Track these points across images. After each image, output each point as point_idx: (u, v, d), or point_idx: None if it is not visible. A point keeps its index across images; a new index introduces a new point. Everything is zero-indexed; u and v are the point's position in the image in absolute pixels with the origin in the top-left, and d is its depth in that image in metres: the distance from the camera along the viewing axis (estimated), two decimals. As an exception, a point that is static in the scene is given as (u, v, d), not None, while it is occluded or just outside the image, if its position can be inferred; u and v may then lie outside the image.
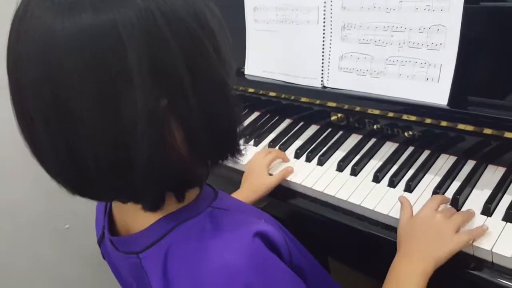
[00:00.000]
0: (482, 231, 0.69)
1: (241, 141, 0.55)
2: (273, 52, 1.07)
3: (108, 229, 0.61)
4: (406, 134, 0.91)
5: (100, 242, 0.66)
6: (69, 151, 0.45)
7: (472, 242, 0.68)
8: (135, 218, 0.56)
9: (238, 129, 0.53)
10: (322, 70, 0.98)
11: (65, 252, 1.41)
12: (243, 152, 0.56)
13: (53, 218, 1.37)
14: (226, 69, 0.50)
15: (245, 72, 1.14)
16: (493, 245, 0.67)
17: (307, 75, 1.00)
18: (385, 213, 0.79)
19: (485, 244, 0.68)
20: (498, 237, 0.68)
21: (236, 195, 0.89)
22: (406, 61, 0.84)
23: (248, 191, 0.90)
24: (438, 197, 0.75)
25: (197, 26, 0.45)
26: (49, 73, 0.42)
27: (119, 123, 0.43)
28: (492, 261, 0.67)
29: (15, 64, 0.45)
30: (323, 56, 0.97)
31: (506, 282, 0.65)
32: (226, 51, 0.49)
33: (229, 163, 0.55)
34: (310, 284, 0.59)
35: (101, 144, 0.44)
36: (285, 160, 0.98)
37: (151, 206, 0.52)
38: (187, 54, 0.45)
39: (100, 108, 0.43)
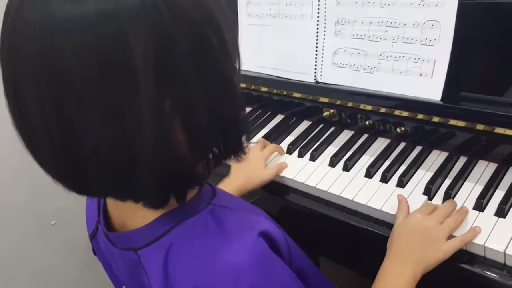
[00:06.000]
0: (474, 234, 0.69)
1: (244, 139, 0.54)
2: (266, 47, 1.06)
3: (104, 224, 0.60)
4: (398, 130, 0.92)
5: (93, 237, 0.65)
6: (69, 150, 0.43)
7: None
8: (134, 214, 0.55)
9: (243, 128, 0.52)
10: (316, 65, 0.98)
11: (51, 249, 1.39)
12: (246, 150, 0.55)
13: (39, 214, 1.34)
14: (233, 66, 0.49)
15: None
16: (486, 240, 0.68)
17: (300, 70, 1.00)
18: (378, 208, 0.79)
19: (478, 239, 0.68)
20: (491, 232, 0.69)
21: (226, 184, 0.87)
22: (400, 57, 0.84)
23: (240, 183, 0.88)
24: (431, 205, 0.74)
25: (203, 20, 0.44)
26: (48, 68, 0.41)
27: (122, 123, 0.42)
28: (485, 256, 0.68)
29: (10, 57, 0.43)
30: (316, 51, 0.97)
31: (497, 276, 0.66)
32: (232, 47, 0.48)
33: (231, 161, 0.54)
34: (310, 284, 0.59)
35: (103, 143, 0.42)
36: (281, 153, 0.98)
37: (154, 204, 0.51)
38: (193, 51, 0.43)
39: (103, 107, 0.41)
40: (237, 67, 0.49)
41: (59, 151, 0.44)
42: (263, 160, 0.92)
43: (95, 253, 0.69)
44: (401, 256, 0.68)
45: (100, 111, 0.41)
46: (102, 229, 0.59)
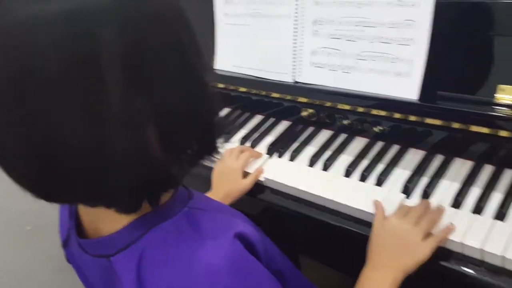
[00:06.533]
0: (448, 232, 0.69)
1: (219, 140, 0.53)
2: (244, 47, 1.05)
3: (76, 231, 0.58)
4: (376, 129, 0.92)
5: (65, 245, 0.63)
6: (36, 153, 0.42)
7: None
8: (106, 220, 0.53)
9: (217, 127, 0.51)
10: (294, 65, 0.97)
11: (26, 255, 1.35)
12: (220, 150, 0.54)
13: (13, 220, 1.30)
14: (204, 64, 0.48)
15: (215, 67, 1.12)
16: (463, 237, 0.69)
17: (278, 70, 0.99)
18: (357, 207, 0.79)
19: (455, 236, 0.69)
20: (468, 229, 0.70)
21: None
22: (377, 56, 0.85)
23: (221, 196, 0.88)
24: (406, 207, 0.75)
25: (173, 17, 0.43)
26: (14, 67, 0.39)
27: (91, 123, 0.40)
28: (463, 253, 0.69)
29: None
30: (294, 51, 0.97)
31: (473, 272, 0.67)
32: (203, 46, 0.48)
33: (205, 162, 0.53)
34: (288, 286, 0.59)
35: (71, 144, 0.41)
36: (258, 157, 0.97)
37: (126, 209, 0.49)
38: (164, 48, 0.43)
39: (70, 106, 0.40)
40: (209, 66, 0.48)
41: (25, 154, 0.42)
42: (240, 171, 0.91)
43: (69, 262, 0.66)
44: (380, 263, 0.68)
45: (68, 111, 0.40)
46: (74, 236, 0.57)
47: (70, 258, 0.65)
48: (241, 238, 0.50)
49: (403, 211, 0.72)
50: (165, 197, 0.54)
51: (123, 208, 0.49)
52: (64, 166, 0.42)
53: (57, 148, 0.41)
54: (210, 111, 0.50)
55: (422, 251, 0.67)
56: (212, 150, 0.52)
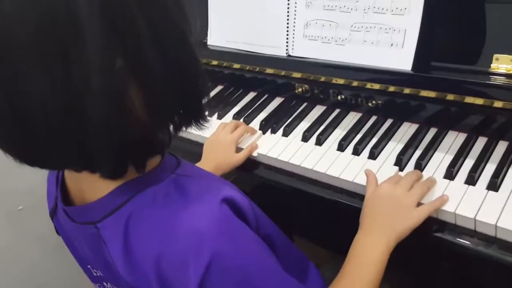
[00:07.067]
0: (442, 202, 0.69)
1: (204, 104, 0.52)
2: (237, 21, 1.03)
3: (62, 199, 0.57)
4: (369, 103, 0.91)
5: (53, 214, 0.62)
6: (15, 115, 0.41)
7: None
8: (91, 186, 0.52)
9: (203, 90, 0.50)
10: (287, 38, 0.96)
11: (19, 235, 1.34)
12: (208, 118, 0.53)
13: (4, 199, 1.29)
14: (188, 22, 0.46)
15: (208, 43, 1.10)
16: (456, 207, 0.68)
17: (271, 44, 0.98)
18: (350, 180, 0.78)
19: (448, 207, 0.68)
20: (461, 200, 0.69)
21: None
22: (371, 27, 0.83)
23: (211, 167, 0.86)
24: (397, 175, 0.75)
25: None
26: None
27: (70, 82, 0.39)
28: (455, 223, 0.68)
29: None
30: (287, 23, 0.95)
31: (467, 242, 0.67)
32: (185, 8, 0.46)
33: (193, 130, 0.52)
34: (278, 253, 0.58)
35: (50, 107, 0.39)
36: (253, 133, 0.96)
37: (111, 174, 0.48)
38: (147, 4, 0.41)
39: (47, 67, 0.38)
40: (191, 24, 0.47)
41: (6, 116, 0.41)
42: (233, 144, 0.90)
43: (58, 233, 0.66)
44: (373, 227, 0.67)
45: (46, 69, 0.38)
46: (60, 204, 0.56)
47: (58, 229, 0.64)
48: (229, 202, 0.50)
49: (395, 178, 0.72)
50: (153, 164, 0.53)
51: (107, 172, 0.48)
52: (44, 127, 0.41)
53: (34, 110, 0.40)
54: (194, 72, 0.48)
55: (414, 216, 0.66)
56: (198, 114, 0.51)
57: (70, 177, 0.56)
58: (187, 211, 0.48)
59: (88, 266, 0.62)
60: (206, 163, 0.88)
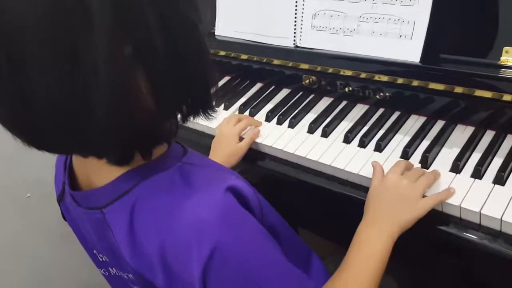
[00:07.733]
0: (448, 194, 0.68)
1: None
2: (245, 11, 1.03)
3: (69, 184, 0.58)
4: (377, 96, 0.91)
5: (60, 199, 0.63)
6: (24, 100, 0.41)
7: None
8: (98, 172, 0.53)
9: (211, 80, 0.50)
10: (295, 29, 0.95)
11: (27, 223, 1.35)
12: (216, 108, 0.53)
13: (13, 187, 1.30)
14: (197, 11, 0.46)
15: (216, 33, 1.10)
16: (462, 201, 0.68)
17: (279, 35, 0.97)
18: (356, 172, 0.78)
19: (454, 200, 0.68)
20: (467, 193, 0.69)
21: None
22: (379, 18, 0.82)
23: (218, 161, 0.87)
24: (402, 162, 0.74)
25: None
26: None
27: (77, 68, 0.39)
28: (460, 217, 0.68)
29: None
30: (295, 14, 0.94)
31: (472, 236, 0.66)
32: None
33: (200, 120, 0.52)
34: (283, 243, 0.58)
35: (57, 93, 0.40)
36: (257, 125, 0.96)
37: (117, 160, 0.49)
38: None
39: (56, 53, 0.39)
40: (201, 14, 0.47)
41: (14, 99, 0.41)
42: (236, 136, 0.91)
43: (64, 218, 0.66)
44: (377, 217, 0.67)
45: (54, 55, 0.39)
46: (67, 188, 0.57)
47: (65, 214, 0.65)
48: (233, 191, 0.50)
49: (401, 166, 0.71)
50: (159, 152, 0.53)
51: (113, 158, 0.48)
52: (51, 112, 0.41)
53: (41, 95, 0.40)
54: (203, 62, 0.48)
55: (419, 207, 0.66)
56: (207, 103, 0.51)
57: (78, 162, 0.57)
58: (191, 199, 0.48)
59: (94, 251, 0.63)
60: (213, 158, 0.88)
